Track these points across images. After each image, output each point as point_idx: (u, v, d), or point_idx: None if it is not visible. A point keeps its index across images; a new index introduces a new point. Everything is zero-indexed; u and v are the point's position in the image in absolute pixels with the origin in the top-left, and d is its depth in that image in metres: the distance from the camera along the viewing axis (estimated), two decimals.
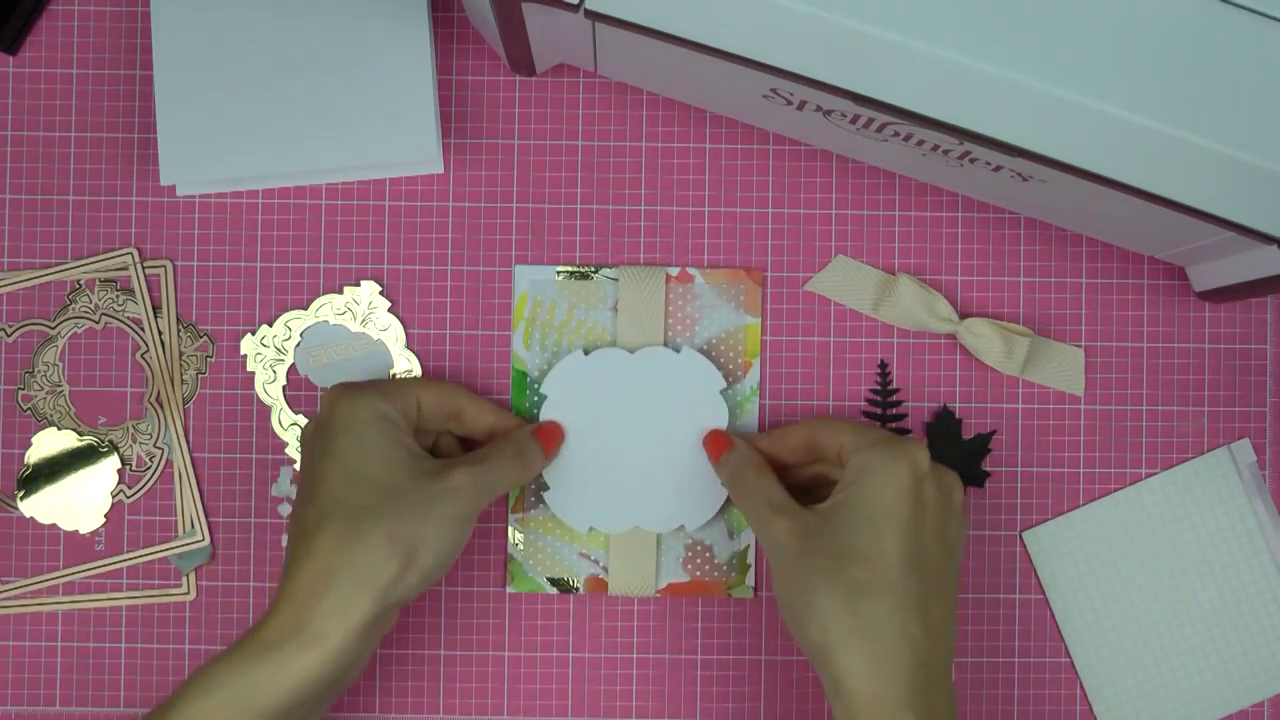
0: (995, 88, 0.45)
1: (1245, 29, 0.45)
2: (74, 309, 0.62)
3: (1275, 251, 0.50)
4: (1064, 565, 0.62)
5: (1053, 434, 0.62)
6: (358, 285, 0.62)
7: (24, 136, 0.62)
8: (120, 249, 0.62)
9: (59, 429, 0.62)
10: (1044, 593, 0.62)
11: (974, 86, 0.45)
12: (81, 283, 0.62)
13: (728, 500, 0.60)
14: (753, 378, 0.61)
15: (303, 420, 0.61)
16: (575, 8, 0.46)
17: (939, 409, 0.62)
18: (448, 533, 0.53)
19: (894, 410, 0.62)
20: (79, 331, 0.62)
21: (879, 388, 0.62)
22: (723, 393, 0.60)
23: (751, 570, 0.61)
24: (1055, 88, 0.44)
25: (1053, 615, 0.62)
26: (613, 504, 0.60)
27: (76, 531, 0.61)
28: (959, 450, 0.62)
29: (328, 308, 0.62)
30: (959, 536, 0.54)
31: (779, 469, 0.58)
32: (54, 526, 0.62)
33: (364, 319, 0.62)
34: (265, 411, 0.62)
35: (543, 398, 0.60)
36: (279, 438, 0.62)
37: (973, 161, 0.53)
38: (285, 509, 0.62)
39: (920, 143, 0.52)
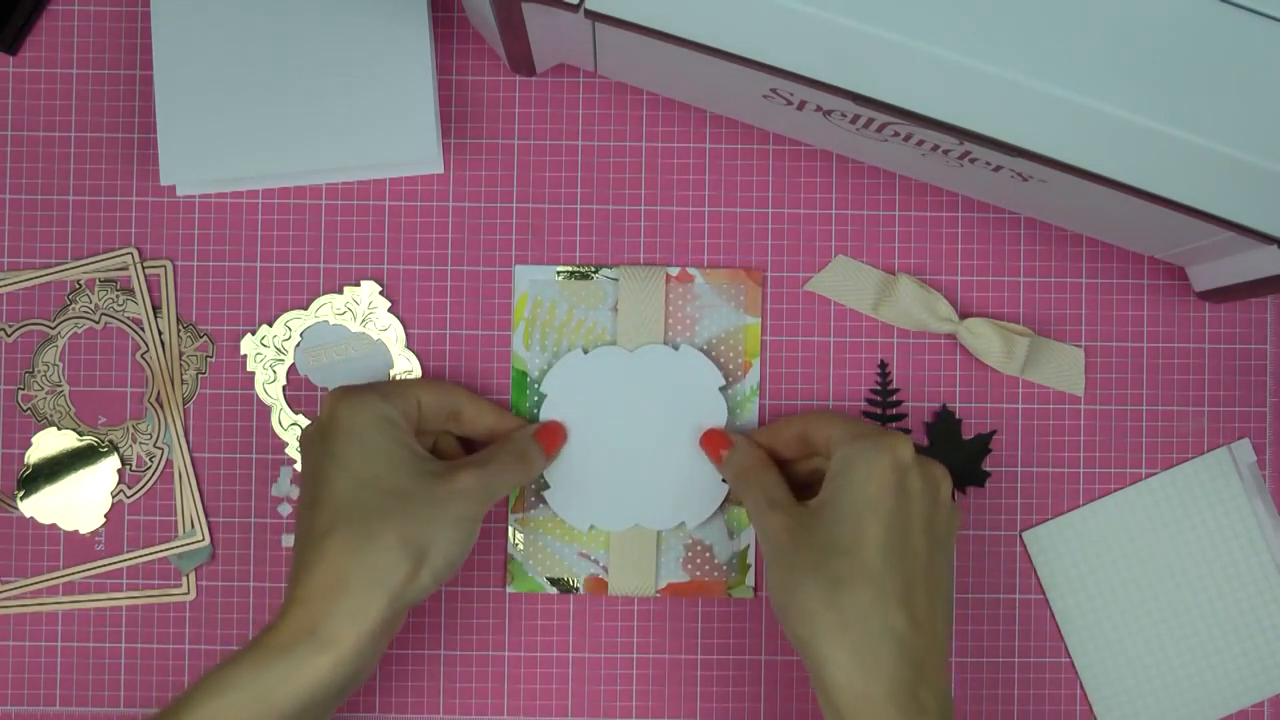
0: (995, 88, 0.45)
1: (1245, 29, 0.45)
2: (74, 309, 0.62)
3: (1275, 251, 0.50)
4: (1064, 565, 0.62)
5: (1053, 434, 0.62)
6: (358, 285, 0.62)
7: (24, 136, 0.62)
8: (120, 249, 0.62)
9: (59, 429, 0.62)
10: (1044, 593, 0.62)
11: (974, 86, 0.45)
12: (81, 283, 0.62)
13: (727, 498, 0.61)
14: (753, 378, 0.61)
15: (303, 420, 0.61)
16: (575, 8, 0.46)
17: (939, 409, 0.62)
18: (457, 534, 0.53)
19: (894, 410, 0.62)
20: (79, 331, 0.62)
21: (879, 388, 0.62)
22: (722, 390, 0.60)
23: (751, 570, 0.61)
24: (1055, 88, 0.44)
25: (1053, 615, 0.62)
26: (613, 502, 0.60)
27: (76, 531, 0.61)
28: (959, 450, 0.62)
29: (328, 308, 0.62)
30: (949, 530, 0.53)
31: (780, 464, 0.58)
32: (54, 526, 0.62)
33: (364, 319, 0.62)
34: (265, 411, 0.62)
35: (543, 396, 0.60)
36: (279, 438, 0.62)
37: (973, 161, 0.53)
38: (285, 509, 0.62)
39: (920, 143, 0.52)
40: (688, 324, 0.61)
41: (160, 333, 0.62)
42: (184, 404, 0.62)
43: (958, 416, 0.62)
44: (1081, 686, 0.62)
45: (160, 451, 0.62)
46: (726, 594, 0.61)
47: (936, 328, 0.61)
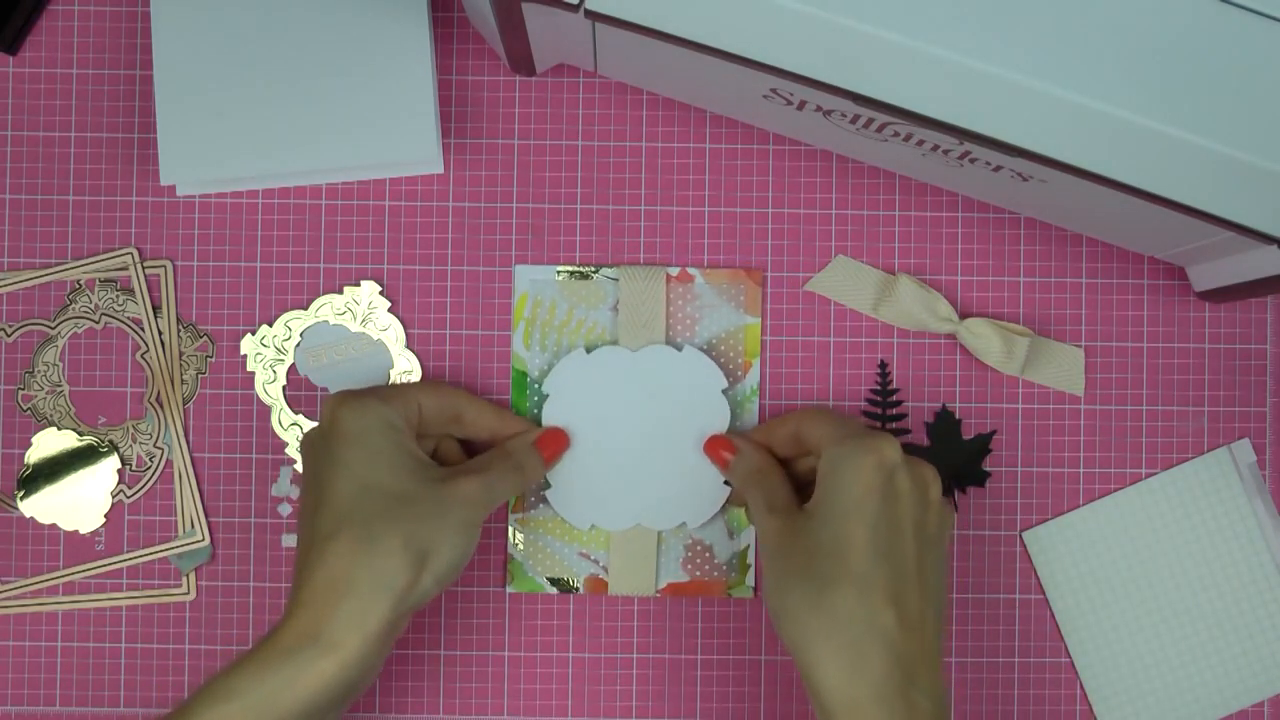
0: (995, 88, 0.45)
1: (1245, 29, 0.45)
2: (74, 309, 0.62)
3: (1275, 251, 0.50)
4: (1064, 565, 0.62)
5: (1053, 434, 0.62)
6: (358, 285, 0.62)
7: (24, 136, 0.62)
8: (120, 249, 0.62)
9: (59, 429, 0.62)
10: (1044, 593, 0.62)
11: (974, 86, 0.45)
12: (81, 283, 0.62)
13: (728, 499, 0.61)
14: (753, 378, 0.61)
15: (303, 420, 0.61)
16: (575, 8, 0.46)
17: (939, 409, 0.62)
18: (459, 539, 0.53)
19: (894, 410, 0.62)
20: (79, 331, 0.62)
21: (879, 388, 0.62)
22: (724, 391, 0.60)
23: (751, 570, 0.61)
24: (1055, 88, 0.44)
25: (1053, 615, 0.62)
26: (614, 501, 0.60)
27: (76, 531, 0.61)
28: (959, 450, 0.62)
29: (328, 308, 0.62)
30: (940, 530, 0.53)
31: (780, 463, 0.58)
32: (54, 526, 0.62)
33: (364, 319, 0.62)
34: (265, 411, 0.62)
35: (544, 396, 0.60)
36: (279, 438, 0.62)
37: (973, 161, 0.53)
38: (285, 509, 0.62)
39: (920, 143, 0.52)
40: (688, 324, 0.61)
41: (160, 333, 0.62)
42: (184, 404, 0.62)
43: (958, 416, 0.62)
44: (1081, 686, 0.62)
45: (160, 451, 0.62)
46: (726, 594, 0.61)
47: (936, 328, 0.61)
